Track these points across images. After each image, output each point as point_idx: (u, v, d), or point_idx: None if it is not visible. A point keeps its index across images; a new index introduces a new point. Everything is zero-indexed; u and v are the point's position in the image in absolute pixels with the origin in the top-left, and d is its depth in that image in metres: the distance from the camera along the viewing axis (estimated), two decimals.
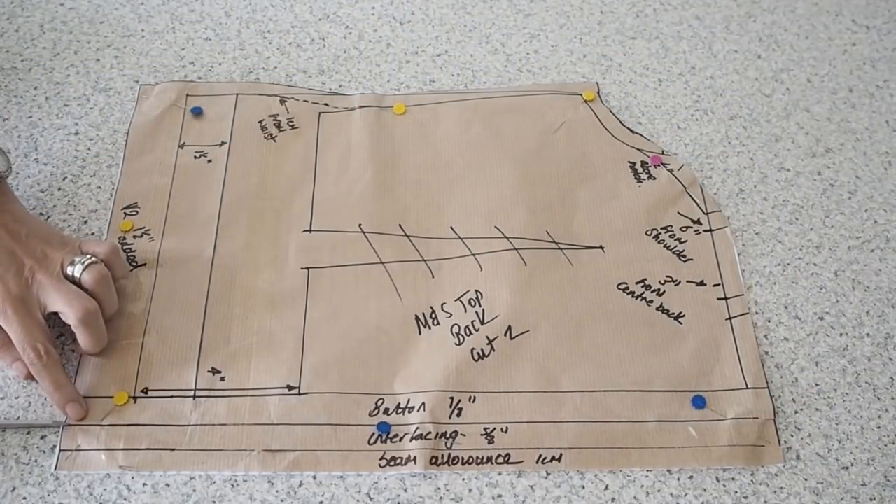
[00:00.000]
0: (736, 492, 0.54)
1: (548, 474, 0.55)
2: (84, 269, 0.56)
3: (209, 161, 0.68)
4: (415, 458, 0.54)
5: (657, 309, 0.61)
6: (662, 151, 0.69)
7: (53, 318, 0.57)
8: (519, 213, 0.65)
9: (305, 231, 0.64)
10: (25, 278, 0.55)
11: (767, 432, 0.56)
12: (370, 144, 0.69)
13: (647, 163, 0.68)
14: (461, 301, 0.61)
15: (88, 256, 0.57)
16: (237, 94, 0.72)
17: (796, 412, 0.57)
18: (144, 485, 0.54)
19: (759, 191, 0.68)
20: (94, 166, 0.68)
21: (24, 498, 0.53)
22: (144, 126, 0.70)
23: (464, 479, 0.54)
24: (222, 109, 0.71)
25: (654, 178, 0.67)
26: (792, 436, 0.56)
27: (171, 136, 0.69)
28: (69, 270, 0.57)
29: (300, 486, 0.54)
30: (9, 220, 0.57)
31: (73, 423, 0.55)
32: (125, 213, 0.65)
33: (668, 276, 0.62)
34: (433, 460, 0.54)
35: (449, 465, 0.54)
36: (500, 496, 0.54)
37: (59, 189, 0.67)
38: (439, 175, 0.68)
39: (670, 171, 0.68)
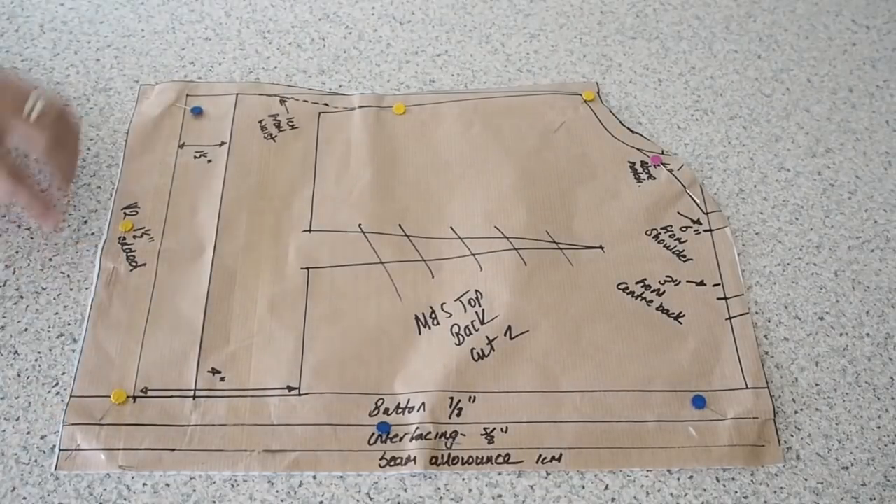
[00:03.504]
0: (736, 492, 0.54)
1: (548, 474, 0.55)
2: (40, 110, 0.58)
3: (209, 161, 0.68)
4: (415, 458, 0.54)
5: (657, 309, 0.61)
6: (662, 151, 0.69)
7: None
8: (519, 213, 0.65)
9: (305, 231, 0.64)
10: None
11: (767, 432, 0.56)
12: (370, 144, 0.69)
13: (647, 163, 0.68)
14: (461, 301, 0.61)
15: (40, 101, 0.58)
16: (237, 94, 0.72)
17: (796, 412, 0.57)
18: (144, 485, 0.54)
19: (759, 191, 0.68)
20: (94, 166, 0.68)
21: (24, 498, 0.53)
22: (144, 126, 0.70)
23: (464, 479, 0.54)
24: (222, 109, 0.71)
25: (654, 178, 0.67)
26: (792, 436, 0.56)
27: (171, 135, 0.70)
28: (26, 110, 0.58)
29: (300, 486, 0.54)
30: None
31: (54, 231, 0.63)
32: (125, 213, 0.65)
33: (667, 276, 0.62)
34: (433, 460, 0.54)
35: (449, 465, 0.54)
36: (500, 496, 0.54)
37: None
38: (439, 175, 0.68)
39: (670, 171, 0.68)
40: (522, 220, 0.65)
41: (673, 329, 0.60)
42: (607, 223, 0.65)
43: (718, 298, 0.61)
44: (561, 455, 0.55)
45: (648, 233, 0.65)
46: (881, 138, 0.71)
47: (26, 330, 0.60)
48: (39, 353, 0.59)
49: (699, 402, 0.57)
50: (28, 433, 0.56)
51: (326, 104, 0.72)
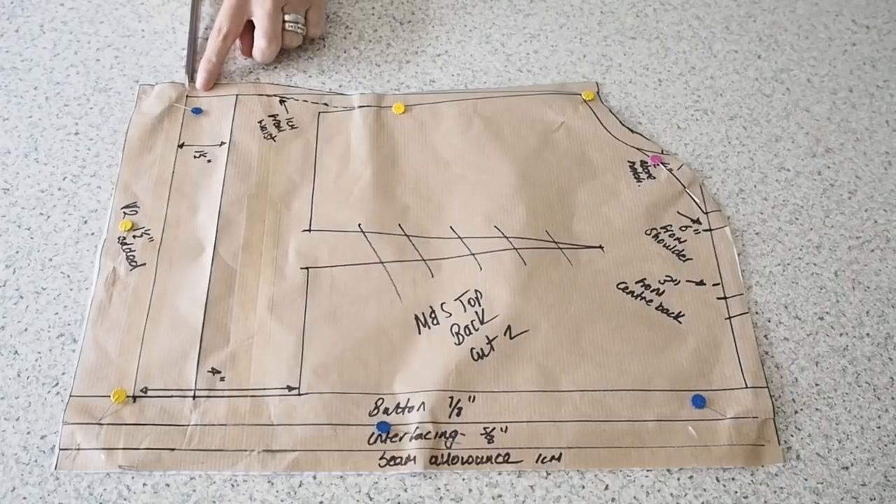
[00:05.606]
0: (736, 492, 0.54)
1: (548, 474, 0.55)
2: (294, 28, 0.73)
3: (209, 161, 0.68)
4: (414, 458, 0.54)
5: (657, 308, 0.61)
6: (662, 151, 0.69)
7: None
8: (519, 213, 0.65)
9: (305, 231, 0.64)
10: None
11: (767, 432, 0.56)
12: (370, 144, 0.69)
13: (646, 162, 0.68)
14: (461, 301, 0.61)
15: (302, 23, 0.74)
16: (237, 95, 0.72)
17: (796, 412, 0.57)
18: (144, 485, 0.54)
19: (759, 191, 0.68)
20: (94, 166, 0.68)
21: (24, 498, 0.53)
22: (144, 126, 0.70)
23: (464, 479, 0.54)
24: (222, 109, 0.71)
25: (654, 178, 0.67)
26: (792, 436, 0.56)
27: (171, 136, 0.70)
28: (287, 17, 0.72)
29: (300, 486, 0.54)
30: None
31: (198, 92, 0.72)
32: (125, 213, 0.65)
33: (667, 276, 0.62)
34: (433, 460, 0.54)
35: (449, 465, 0.54)
36: (500, 496, 0.54)
37: (59, 189, 0.67)
38: (439, 175, 0.68)
39: (670, 170, 0.68)
40: (522, 219, 0.65)
41: (673, 329, 0.60)
42: (607, 223, 0.65)
43: (718, 298, 0.61)
44: (561, 455, 0.55)
45: (648, 232, 0.65)
46: (881, 138, 0.71)
47: (26, 330, 0.60)
48: (39, 353, 0.59)
49: (699, 402, 0.57)
50: (28, 433, 0.56)
51: (326, 104, 0.72)
